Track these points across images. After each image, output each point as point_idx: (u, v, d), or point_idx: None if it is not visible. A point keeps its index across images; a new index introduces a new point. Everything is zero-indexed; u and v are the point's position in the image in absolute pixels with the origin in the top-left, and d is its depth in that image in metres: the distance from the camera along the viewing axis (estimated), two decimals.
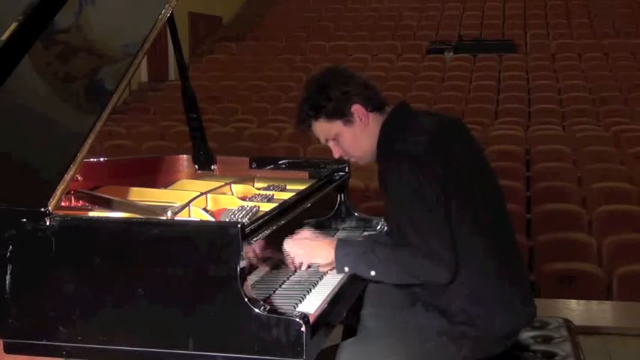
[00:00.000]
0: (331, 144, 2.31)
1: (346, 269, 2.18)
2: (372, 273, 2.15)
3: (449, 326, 2.19)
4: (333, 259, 2.19)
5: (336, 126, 2.25)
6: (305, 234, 2.32)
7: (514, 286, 2.25)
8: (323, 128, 2.27)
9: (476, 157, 2.30)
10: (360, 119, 2.23)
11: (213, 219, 2.32)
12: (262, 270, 2.31)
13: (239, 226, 1.91)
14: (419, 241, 2.08)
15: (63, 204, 2.32)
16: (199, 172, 3.15)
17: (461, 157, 2.22)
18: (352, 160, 2.39)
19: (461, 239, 2.12)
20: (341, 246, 2.20)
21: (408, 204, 2.11)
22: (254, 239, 2.06)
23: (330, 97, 2.22)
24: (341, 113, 2.23)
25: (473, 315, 2.17)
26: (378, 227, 2.97)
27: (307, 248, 2.24)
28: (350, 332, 2.52)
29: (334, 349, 2.26)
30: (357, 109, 2.22)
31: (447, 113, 2.50)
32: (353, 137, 2.26)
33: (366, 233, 2.89)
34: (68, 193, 2.51)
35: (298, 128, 2.32)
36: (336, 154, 2.32)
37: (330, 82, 2.24)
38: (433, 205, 2.09)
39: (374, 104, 2.25)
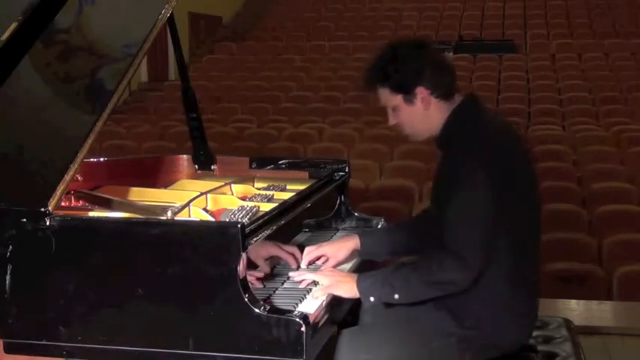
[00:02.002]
0: (389, 111, 2.30)
1: (372, 299, 2.18)
2: (396, 296, 2.15)
3: (458, 329, 2.19)
4: (356, 293, 2.18)
5: (397, 99, 2.23)
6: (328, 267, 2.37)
7: (529, 296, 2.26)
8: (385, 96, 2.26)
9: (530, 164, 2.29)
10: (422, 102, 2.21)
11: (213, 219, 2.31)
12: (262, 270, 2.32)
13: (239, 226, 1.91)
14: (457, 233, 2.09)
15: (63, 204, 2.32)
16: (199, 172, 3.15)
17: (518, 161, 2.22)
18: (405, 133, 2.36)
19: (492, 244, 2.11)
20: (362, 279, 2.19)
21: (461, 196, 2.10)
22: (254, 239, 2.06)
23: (399, 70, 2.19)
24: (404, 90, 2.21)
25: (484, 322, 2.18)
26: (378, 227, 2.97)
27: (332, 280, 2.21)
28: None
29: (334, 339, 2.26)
30: (421, 91, 2.20)
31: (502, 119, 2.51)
32: (409, 116, 2.24)
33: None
34: (68, 193, 2.51)
35: (361, 88, 2.32)
36: (391, 122, 2.31)
37: (406, 55, 2.21)
38: (484, 205, 2.08)
39: (441, 91, 2.22)
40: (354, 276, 2.22)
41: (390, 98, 2.24)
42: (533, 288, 2.28)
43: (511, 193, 2.13)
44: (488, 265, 2.11)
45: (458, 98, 2.26)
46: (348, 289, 2.19)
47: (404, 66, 2.19)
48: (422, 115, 2.23)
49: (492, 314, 2.17)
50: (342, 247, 2.46)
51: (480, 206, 2.08)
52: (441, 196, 2.25)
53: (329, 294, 2.17)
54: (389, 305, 2.23)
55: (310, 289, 2.20)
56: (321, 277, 2.23)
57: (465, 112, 2.24)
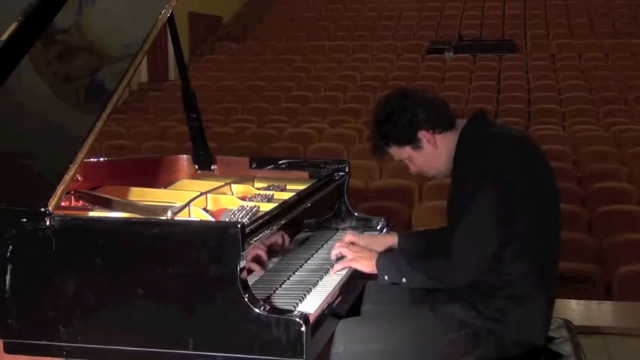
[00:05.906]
0: (406, 162, 2.41)
1: (386, 278, 2.30)
2: (404, 280, 2.27)
3: (478, 320, 2.22)
4: (374, 268, 2.32)
5: (407, 151, 2.35)
6: (354, 241, 2.52)
7: (550, 297, 2.33)
8: (395, 152, 2.38)
9: (543, 163, 2.33)
10: (429, 142, 2.31)
11: (213, 219, 2.31)
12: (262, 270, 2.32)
13: (239, 226, 1.91)
14: (456, 235, 2.18)
15: (63, 204, 2.32)
16: (199, 172, 3.15)
17: (529, 162, 2.26)
18: (429, 176, 2.51)
19: (521, 242, 2.21)
20: (381, 257, 2.35)
21: (466, 204, 2.18)
22: (254, 239, 2.06)
23: (396, 125, 2.29)
24: (409, 140, 2.31)
25: (509, 314, 2.21)
26: (378, 227, 2.98)
27: (354, 255, 2.38)
28: None
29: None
30: (423, 134, 2.30)
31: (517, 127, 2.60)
32: (424, 159, 2.35)
33: (366, 233, 2.89)
34: (68, 193, 2.51)
35: (374, 155, 2.44)
36: (413, 171, 2.44)
37: (395, 109, 2.30)
38: (486, 211, 2.15)
39: (442, 125, 2.31)
40: (376, 254, 2.36)
41: (400, 153, 2.36)
42: (553, 288, 2.35)
43: (525, 194, 2.19)
44: (515, 260, 2.20)
45: (460, 122, 2.34)
46: (367, 264, 2.34)
47: (398, 121, 2.29)
48: (434, 154, 2.33)
49: (519, 309, 2.22)
50: (377, 241, 2.59)
51: (481, 212, 2.15)
52: (451, 210, 2.35)
53: (330, 293, 2.18)
54: (393, 295, 2.26)
55: (310, 289, 2.20)
56: (346, 250, 2.39)
57: (470, 132, 2.32)
